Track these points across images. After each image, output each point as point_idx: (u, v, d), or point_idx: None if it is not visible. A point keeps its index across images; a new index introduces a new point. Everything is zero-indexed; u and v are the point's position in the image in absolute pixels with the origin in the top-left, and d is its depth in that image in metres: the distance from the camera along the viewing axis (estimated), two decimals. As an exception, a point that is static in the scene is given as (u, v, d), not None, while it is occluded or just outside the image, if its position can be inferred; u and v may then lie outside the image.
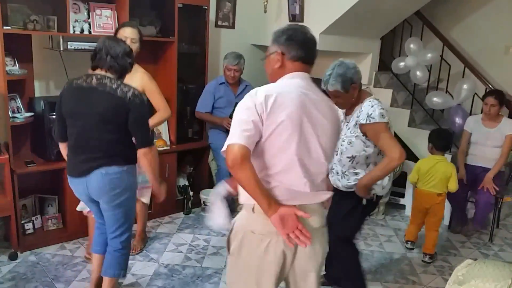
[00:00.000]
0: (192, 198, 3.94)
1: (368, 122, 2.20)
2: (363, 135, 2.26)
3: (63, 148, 2.36)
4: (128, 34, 2.83)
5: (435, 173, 3.24)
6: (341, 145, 2.32)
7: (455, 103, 4.23)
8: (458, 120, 4.17)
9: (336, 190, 2.41)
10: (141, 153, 2.21)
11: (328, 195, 1.67)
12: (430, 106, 4.43)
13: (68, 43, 3.06)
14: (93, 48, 3.11)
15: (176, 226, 3.64)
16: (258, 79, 4.28)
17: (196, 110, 3.82)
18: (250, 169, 1.45)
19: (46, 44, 3.23)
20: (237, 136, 1.46)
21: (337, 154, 2.36)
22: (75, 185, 2.28)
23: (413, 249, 3.44)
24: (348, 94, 2.23)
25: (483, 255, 3.50)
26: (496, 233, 3.88)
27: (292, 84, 1.61)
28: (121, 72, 2.23)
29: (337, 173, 2.39)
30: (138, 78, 2.85)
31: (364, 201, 2.37)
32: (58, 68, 3.28)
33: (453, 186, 3.25)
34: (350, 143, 2.29)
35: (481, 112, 3.89)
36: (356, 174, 2.34)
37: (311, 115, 1.57)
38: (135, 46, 2.80)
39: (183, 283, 2.84)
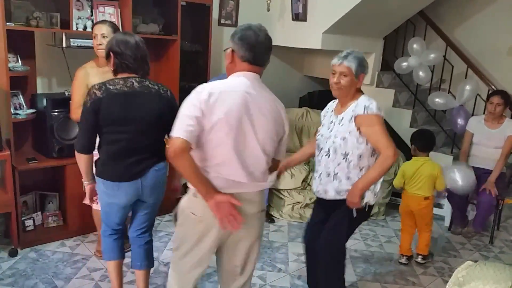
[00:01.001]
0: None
1: (365, 112, 2.15)
2: (357, 130, 2.19)
3: (86, 159, 2.20)
4: (98, 31, 2.72)
5: (421, 175, 3.14)
6: (333, 142, 2.25)
7: (458, 104, 4.22)
8: (460, 121, 4.16)
9: (323, 202, 2.37)
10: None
11: (265, 185, 1.85)
12: (432, 106, 4.42)
13: (71, 40, 3.07)
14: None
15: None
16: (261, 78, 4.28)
17: None
18: (188, 160, 1.64)
19: (49, 41, 3.23)
20: (181, 130, 1.63)
21: (327, 155, 2.28)
22: (123, 189, 2.19)
23: (407, 264, 3.25)
24: (354, 80, 2.21)
25: (483, 257, 3.50)
26: (497, 235, 3.87)
27: (237, 82, 1.75)
28: (149, 73, 2.27)
29: (328, 174, 2.28)
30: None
31: (355, 213, 2.25)
32: (60, 65, 3.28)
33: (440, 186, 3.18)
34: (344, 138, 2.21)
35: (484, 113, 3.88)
36: (349, 178, 2.24)
37: (251, 113, 1.72)
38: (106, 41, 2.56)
39: (183, 281, 2.84)
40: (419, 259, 3.28)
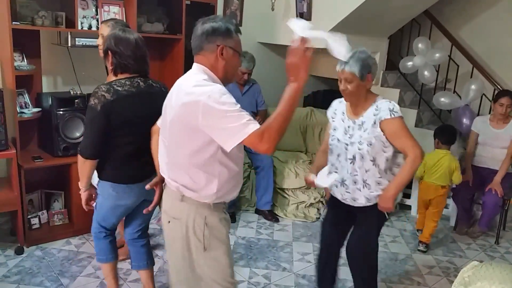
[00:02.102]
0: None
1: (392, 116, 2.10)
2: (383, 134, 2.14)
3: (92, 165, 2.12)
4: (100, 30, 2.59)
5: (440, 166, 3.45)
6: (359, 149, 2.16)
7: (463, 103, 4.21)
8: (465, 120, 4.14)
9: (342, 204, 2.34)
10: None
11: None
12: (437, 106, 4.41)
13: (76, 39, 3.08)
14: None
15: (181, 223, 3.65)
16: (265, 77, 4.27)
17: None
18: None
19: (54, 40, 3.24)
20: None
21: (352, 162, 2.21)
22: (135, 190, 2.17)
23: (425, 252, 3.46)
24: (362, 83, 2.13)
25: (489, 257, 3.48)
26: (503, 235, 3.85)
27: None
28: (148, 72, 2.23)
29: (355, 182, 2.23)
30: None
31: (387, 216, 2.28)
32: (66, 64, 3.30)
33: (457, 178, 3.48)
34: (370, 144, 2.14)
35: (489, 113, 3.86)
36: (378, 183, 2.20)
37: None
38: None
39: (187, 280, 2.84)
40: (422, 247, 3.46)
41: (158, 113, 2.06)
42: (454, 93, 4.49)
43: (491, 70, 4.62)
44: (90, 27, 3.15)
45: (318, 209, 3.96)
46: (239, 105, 1.54)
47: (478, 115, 4.26)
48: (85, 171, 2.13)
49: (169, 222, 1.74)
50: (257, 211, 3.93)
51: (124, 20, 3.29)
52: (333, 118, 2.37)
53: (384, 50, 4.49)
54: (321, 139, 4.57)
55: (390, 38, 4.55)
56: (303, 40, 1.52)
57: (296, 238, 3.56)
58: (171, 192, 1.74)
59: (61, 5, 3.18)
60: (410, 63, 4.37)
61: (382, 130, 2.13)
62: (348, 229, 2.44)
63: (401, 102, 4.60)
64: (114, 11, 3.27)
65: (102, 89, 2.04)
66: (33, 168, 3.00)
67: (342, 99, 2.32)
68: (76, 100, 3.09)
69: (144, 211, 1.90)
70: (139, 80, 2.14)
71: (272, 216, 3.85)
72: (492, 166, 3.71)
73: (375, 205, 2.22)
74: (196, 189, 1.66)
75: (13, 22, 2.79)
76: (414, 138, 2.14)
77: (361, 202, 2.25)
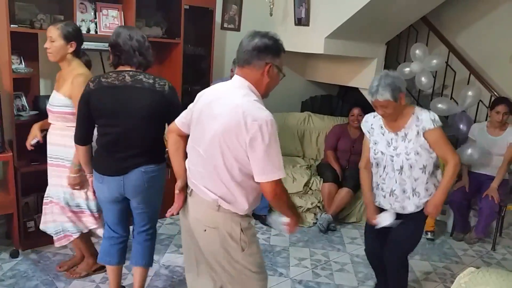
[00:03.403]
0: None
1: (434, 126, 2.24)
2: (427, 143, 2.27)
3: (83, 151, 2.27)
4: (47, 32, 2.45)
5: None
6: (407, 159, 2.30)
7: (460, 109, 4.22)
8: (462, 126, 4.15)
9: (397, 215, 2.42)
10: None
11: None
12: (434, 112, 4.41)
13: (74, 42, 3.07)
14: (99, 48, 3.17)
15: (177, 228, 3.64)
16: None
17: None
18: None
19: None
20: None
21: (400, 173, 2.33)
22: (107, 183, 2.22)
23: (433, 240, 3.82)
24: (397, 104, 2.23)
25: (485, 264, 3.48)
26: (499, 242, 3.85)
27: None
28: (149, 66, 2.23)
29: (404, 191, 2.35)
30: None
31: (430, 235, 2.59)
32: (63, 67, 3.29)
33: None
34: (418, 153, 2.28)
35: (486, 119, 3.87)
36: (427, 190, 2.34)
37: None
38: (54, 46, 2.41)
39: (184, 285, 2.83)
40: (430, 235, 3.80)
41: (139, 110, 2.09)
42: (451, 99, 4.51)
43: (488, 77, 4.65)
44: (88, 30, 3.15)
45: (315, 214, 3.96)
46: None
47: (475, 121, 4.27)
48: (79, 156, 2.31)
49: (205, 230, 1.77)
50: (254, 216, 3.92)
51: (123, 24, 3.29)
52: (369, 132, 2.46)
53: (382, 56, 4.50)
54: (318, 144, 4.58)
55: (387, 44, 4.56)
56: None
57: (292, 243, 3.55)
58: (204, 202, 1.75)
59: (59, 8, 3.18)
60: (407, 69, 4.39)
61: (425, 139, 2.26)
62: (388, 233, 2.52)
63: (398, 108, 4.61)
64: (112, 15, 3.28)
65: (91, 79, 2.19)
66: (29, 171, 2.99)
67: (375, 113, 2.41)
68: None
69: (167, 215, 1.90)
70: (126, 74, 2.13)
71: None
72: (489, 172, 3.72)
73: (422, 210, 2.37)
74: (233, 202, 1.72)
75: (12, 25, 2.79)
76: (452, 146, 2.32)
77: (410, 209, 2.37)
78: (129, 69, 2.17)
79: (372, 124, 2.46)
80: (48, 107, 2.52)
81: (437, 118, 2.26)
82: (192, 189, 1.81)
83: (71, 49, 2.45)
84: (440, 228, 4.03)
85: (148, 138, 2.18)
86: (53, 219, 2.59)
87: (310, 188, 4.00)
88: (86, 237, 2.75)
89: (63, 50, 2.43)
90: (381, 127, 2.40)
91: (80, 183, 2.47)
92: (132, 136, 2.15)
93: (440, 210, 2.37)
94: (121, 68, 2.17)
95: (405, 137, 2.31)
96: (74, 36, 2.45)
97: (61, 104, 2.45)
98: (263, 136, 1.56)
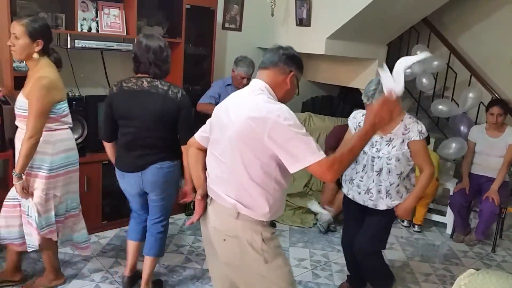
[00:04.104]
0: (194, 199, 3.93)
1: (420, 138, 2.32)
2: (409, 151, 2.35)
3: (109, 147, 2.52)
4: (11, 28, 2.25)
5: (436, 163, 3.83)
6: (388, 164, 2.37)
7: (461, 111, 4.22)
8: (463, 128, 4.15)
9: (370, 209, 2.52)
10: (185, 149, 2.33)
11: None
12: (435, 114, 4.42)
13: (76, 41, 3.08)
14: (100, 47, 3.18)
15: (177, 228, 3.64)
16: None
17: (198, 103, 3.63)
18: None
19: (53, 42, 3.22)
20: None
21: (378, 174, 2.41)
22: (128, 179, 2.44)
23: (420, 232, 3.99)
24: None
25: (485, 266, 3.48)
26: (499, 244, 3.85)
27: None
28: (163, 75, 2.39)
29: (379, 191, 2.43)
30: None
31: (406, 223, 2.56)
32: (65, 66, 3.26)
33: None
34: (398, 160, 2.36)
35: (486, 122, 3.87)
36: (398, 192, 2.43)
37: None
38: (18, 44, 2.21)
39: (183, 284, 2.83)
40: (416, 228, 3.96)
41: (151, 113, 2.31)
42: (452, 101, 4.51)
43: (489, 79, 4.65)
44: (90, 29, 3.15)
45: (315, 214, 3.96)
46: (305, 128, 1.59)
47: (475, 123, 4.27)
48: (107, 151, 2.54)
49: (224, 240, 1.73)
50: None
51: (125, 23, 3.29)
52: (356, 129, 2.51)
53: (383, 57, 4.50)
54: (319, 144, 4.57)
55: (388, 46, 4.56)
56: (393, 93, 1.64)
57: (292, 244, 3.55)
58: (223, 209, 1.72)
59: (61, 7, 3.18)
60: (408, 71, 4.37)
61: (408, 147, 2.35)
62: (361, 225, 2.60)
63: (399, 109, 4.61)
64: (114, 14, 3.28)
65: (115, 83, 2.41)
66: (29, 170, 2.98)
67: (364, 111, 2.46)
68: (74, 102, 3.09)
69: (187, 223, 2.00)
70: (144, 80, 2.35)
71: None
72: (489, 174, 3.72)
73: (392, 209, 2.47)
74: (252, 206, 1.67)
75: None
76: (430, 156, 2.41)
77: (382, 208, 2.47)
78: (146, 76, 2.35)
79: (360, 122, 2.51)
80: (15, 109, 2.36)
81: (424, 129, 2.33)
82: (211, 198, 1.79)
83: (37, 48, 2.24)
84: (439, 230, 4.02)
85: (161, 138, 2.37)
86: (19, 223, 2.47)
87: (311, 189, 4.00)
88: (54, 249, 2.63)
89: (28, 49, 2.23)
90: None
91: (27, 191, 2.31)
92: (145, 136, 2.35)
93: (410, 214, 2.47)
94: (140, 75, 2.37)
95: (390, 142, 2.38)
96: (41, 33, 2.24)
97: (22, 107, 2.27)
98: (281, 126, 1.54)
